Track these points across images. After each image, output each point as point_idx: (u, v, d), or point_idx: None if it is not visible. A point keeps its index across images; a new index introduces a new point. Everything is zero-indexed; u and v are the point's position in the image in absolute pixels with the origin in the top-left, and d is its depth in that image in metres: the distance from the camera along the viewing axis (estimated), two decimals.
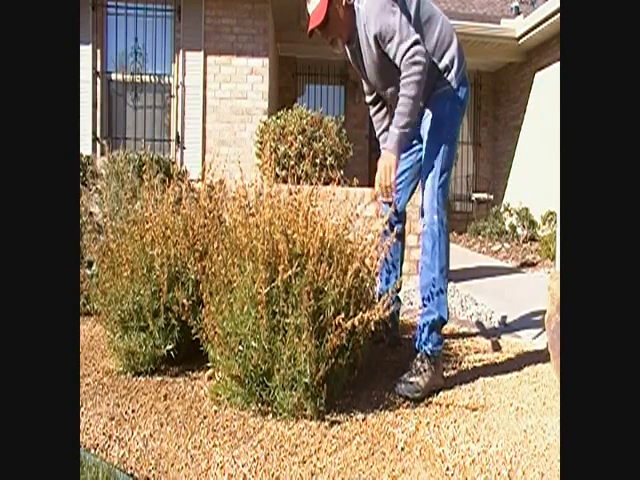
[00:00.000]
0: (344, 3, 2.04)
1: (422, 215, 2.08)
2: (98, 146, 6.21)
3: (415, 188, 2.36)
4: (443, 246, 2.04)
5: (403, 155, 2.36)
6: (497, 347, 2.57)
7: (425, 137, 2.12)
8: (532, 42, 7.66)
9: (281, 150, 4.28)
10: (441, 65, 2.08)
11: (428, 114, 2.11)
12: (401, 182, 2.35)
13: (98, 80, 6.25)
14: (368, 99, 2.47)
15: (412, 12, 2.04)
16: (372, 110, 2.49)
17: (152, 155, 3.85)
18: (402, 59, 1.94)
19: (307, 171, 4.04)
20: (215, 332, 1.79)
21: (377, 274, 2.07)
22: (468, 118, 9.27)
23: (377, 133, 2.49)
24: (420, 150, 2.15)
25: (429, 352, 2.00)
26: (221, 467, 1.46)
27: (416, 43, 1.92)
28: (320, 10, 2.01)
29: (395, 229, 2.26)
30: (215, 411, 1.80)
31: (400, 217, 2.37)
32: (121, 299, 2.10)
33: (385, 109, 2.44)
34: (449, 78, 2.09)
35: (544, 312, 2.11)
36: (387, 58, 2.02)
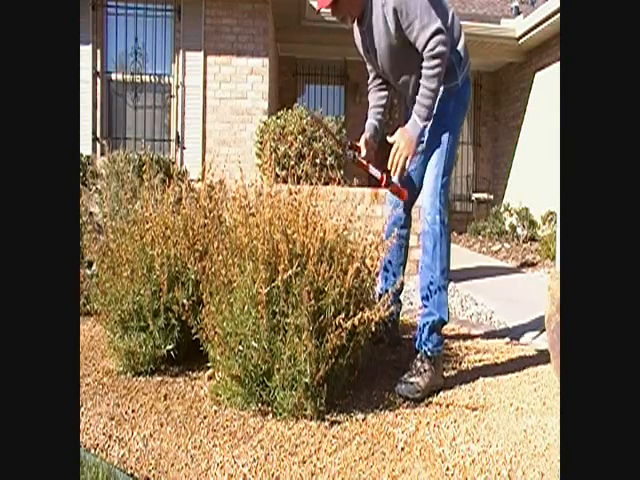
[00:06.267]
0: None
1: (423, 215, 2.07)
2: (98, 146, 6.21)
3: (421, 189, 2.32)
4: (445, 247, 2.03)
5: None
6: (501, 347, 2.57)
7: (428, 138, 2.10)
8: (532, 42, 7.67)
9: (281, 150, 4.28)
10: (449, 60, 2.02)
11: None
12: (407, 184, 2.31)
13: (98, 80, 6.25)
14: (372, 75, 2.36)
15: None
16: (372, 88, 2.38)
17: (152, 155, 3.85)
18: (424, 48, 1.91)
19: (307, 171, 4.04)
20: (215, 332, 1.79)
21: (377, 274, 2.06)
22: (468, 118, 9.26)
23: (370, 106, 2.38)
24: (423, 151, 2.13)
25: (429, 353, 2.00)
26: (221, 467, 1.46)
27: (438, 32, 1.89)
28: None
29: (396, 230, 2.25)
30: (215, 411, 1.80)
31: (406, 222, 2.35)
32: (121, 299, 2.10)
33: (386, 92, 2.36)
34: (456, 74, 2.06)
35: (544, 312, 2.10)
36: (403, 42, 1.98)
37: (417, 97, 1.98)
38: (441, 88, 2.03)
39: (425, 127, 1.99)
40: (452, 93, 2.08)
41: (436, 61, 1.91)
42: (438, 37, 1.90)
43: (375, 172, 2.16)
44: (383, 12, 1.96)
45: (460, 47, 2.08)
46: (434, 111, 2.03)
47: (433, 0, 1.96)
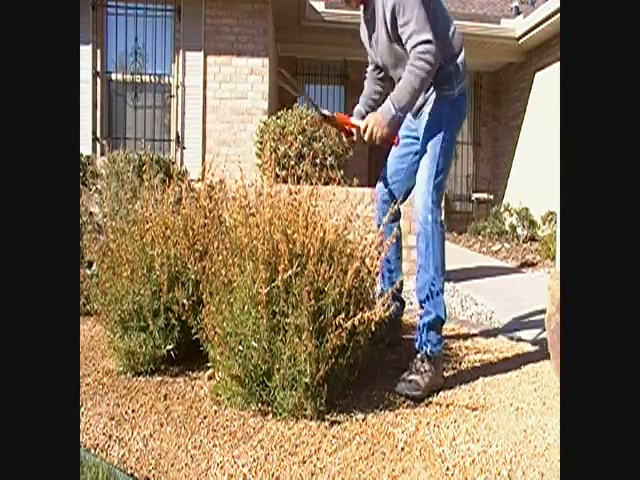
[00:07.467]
0: None
1: (415, 216, 2.08)
2: (98, 146, 6.21)
3: (412, 188, 2.34)
4: (437, 245, 2.04)
5: (401, 152, 2.34)
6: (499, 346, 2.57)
7: (422, 138, 2.11)
8: (532, 42, 7.67)
9: (281, 150, 4.28)
10: (446, 69, 2.06)
11: (426, 115, 2.10)
12: (397, 181, 2.33)
13: (98, 80, 6.25)
14: (371, 66, 2.40)
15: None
16: (371, 78, 2.42)
17: (152, 155, 3.85)
18: (412, 49, 1.94)
19: (307, 171, 4.04)
20: (215, 332, 1.79)
21: (377, 274, 2.06)
22: (468, 118, 9.27)
23: (363, 94, 2.42)
24: (417, 152, 2.14)
25: (429, 352, 2.00)
26: (221, 467, 1.46)
27: (429, 42, 1.91)
28: None
29: (394, 229, 2.25)
30: (215, 411, 1.80)
31: (395, 216, 2.35)
32: (121, 299, 2.10)
33: (382, 89, 2.39)
34: (452, 84, 2.09)
35: (544, 312, 2.10)
36: (399, 37, 1.99)
37: (398, 85, 1.99)
38: (440, 93, 2.06)
39: (399, 118, 2.00)
40: (448, 100, 2.09)
41: (422, 63, 1.93)
42: (428, 46, 1.92)
43: (357, 122, 2.16)
44: (382, 6, 1.99)
45: (459, 60, 2.11)
46: (423, 114, 2.08)
47: (434, 15, 1.99)
